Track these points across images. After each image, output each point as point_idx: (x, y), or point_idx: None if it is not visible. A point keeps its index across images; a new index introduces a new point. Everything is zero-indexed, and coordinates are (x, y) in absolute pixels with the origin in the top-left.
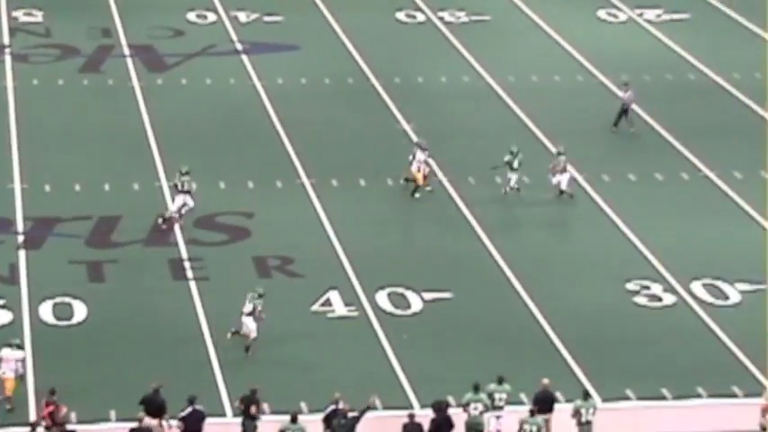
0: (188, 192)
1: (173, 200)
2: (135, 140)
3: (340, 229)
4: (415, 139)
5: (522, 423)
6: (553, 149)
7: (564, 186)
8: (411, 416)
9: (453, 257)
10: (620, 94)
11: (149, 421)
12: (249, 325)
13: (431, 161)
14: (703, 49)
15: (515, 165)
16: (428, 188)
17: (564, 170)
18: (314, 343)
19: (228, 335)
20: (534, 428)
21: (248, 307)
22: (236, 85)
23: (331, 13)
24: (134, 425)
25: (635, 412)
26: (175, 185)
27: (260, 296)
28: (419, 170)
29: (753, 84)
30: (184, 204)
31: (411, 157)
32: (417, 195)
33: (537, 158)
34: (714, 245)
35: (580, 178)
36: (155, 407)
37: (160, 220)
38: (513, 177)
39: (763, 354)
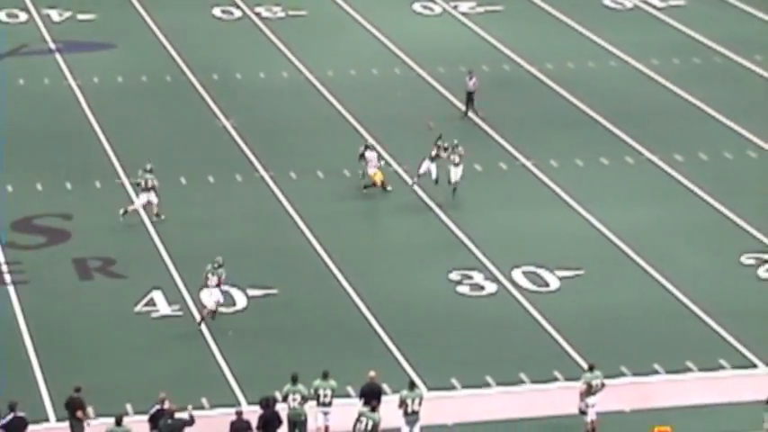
0: (152, 189)
1: (137, 196)
2: None
3: (162, 228)
4: (233, 131)
5: (360, 414)
6: (373, 142)
7: (454, 179)
8: (239, 413)
9: (277, 253)
10: (467, 81)
11: None
12: (215, 295)
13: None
14: (517, 40)
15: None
16: (389, 188)
17: (457, 164)
18: (138, 343)
19: (200, 322)
20: (370, 424)
21: (213, 280)
22: (51, 85)
23: (146, 11)
24: None
25: (461, 401)
26: (138, 183)
27: (220, 266)
28: (375, 173)
29: (566, 74)
30: (149, 202)
31: (362, 160)
32: (367, 191)
33: (357, 152)
34: (533, 233)
35: (400, 170)
36: None
37: (121, 211)
38: (432, 168)
39: (582, 338)
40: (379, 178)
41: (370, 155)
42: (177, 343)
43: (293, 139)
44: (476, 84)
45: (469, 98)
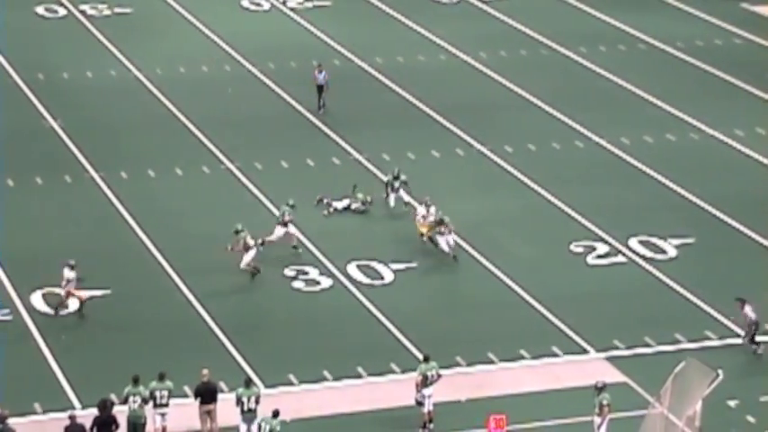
0: (289, 222)
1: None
2: None
3: None
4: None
5: (261, 420)
6: (204, 140)
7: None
8: (72, 417)
9: (109, 254)
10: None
11: None
12: (292, 235)
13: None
14: (347, 35)
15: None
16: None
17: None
18: None
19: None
20: (267, 428)
21: (288, 217)
22: None
23: None
24: None
25: (298, 396)
26: (283, 221)
27: (292, 206)
28: (423, 224)
29: (396, 68)
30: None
31: (416, 213)
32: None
33: (188, 150)
34: (366, 226)
35: (233, 167)
36: None
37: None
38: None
39: (416, 330)
40: (426, 230)
41: (421, 209)
42: (8, 348)
43: (123, 139)
44: (326, 77)
45: (320, 91)
